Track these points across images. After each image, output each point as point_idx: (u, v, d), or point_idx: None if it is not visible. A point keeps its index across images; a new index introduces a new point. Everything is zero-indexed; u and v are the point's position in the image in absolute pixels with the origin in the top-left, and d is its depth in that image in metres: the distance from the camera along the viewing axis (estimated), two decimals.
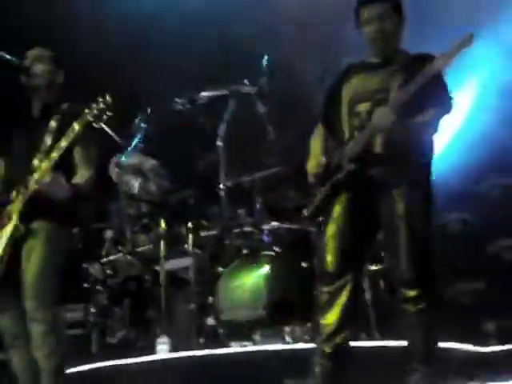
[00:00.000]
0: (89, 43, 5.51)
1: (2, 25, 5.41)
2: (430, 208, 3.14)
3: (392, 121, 2.98)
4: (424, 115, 3.07)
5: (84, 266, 5.02)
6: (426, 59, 3.04)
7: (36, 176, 3.32)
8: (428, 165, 3.21)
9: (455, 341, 3.91)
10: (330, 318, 3.07)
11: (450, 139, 5.71)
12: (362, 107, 3.18)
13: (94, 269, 4.96)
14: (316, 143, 3.49)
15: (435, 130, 3.19)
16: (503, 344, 4.12)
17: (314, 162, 3.37)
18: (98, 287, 4.95)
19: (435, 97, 3.09)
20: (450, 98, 3.15)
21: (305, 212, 3.41)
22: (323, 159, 3.33)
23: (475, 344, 4.02)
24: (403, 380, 2.94)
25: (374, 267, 4.44)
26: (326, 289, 3.10)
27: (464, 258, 5.08)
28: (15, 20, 5.53)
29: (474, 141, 5.42)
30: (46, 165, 3.32)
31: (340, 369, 3.09)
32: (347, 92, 3.33)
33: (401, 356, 3.11)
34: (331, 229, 3.16)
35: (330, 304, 3.08)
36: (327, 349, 3.08)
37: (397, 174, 3.06)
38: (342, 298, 3.07)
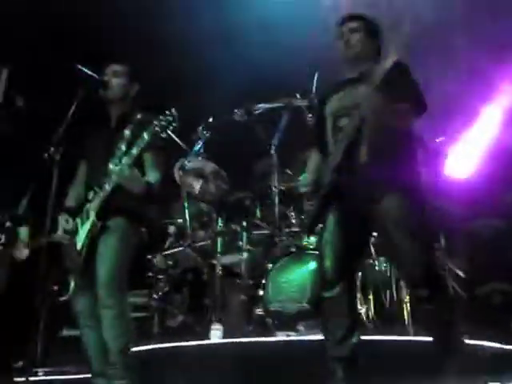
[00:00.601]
0: (160, 58, 5.81)
1: (84, 41, 5.80)
2: (421, 211, 3.12)
3: (378, 99, 2.99)
4: (401, 106, 3.10)
5: (148, 257, 5.31)
6: (401, 69, 3.09)
7: (117, 169, 3.58)
8: (414, 170, 3.22)
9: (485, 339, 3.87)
10: (338, 322, 3.11)
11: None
12: (343, 122, 3.23)
13: (158, 260, 5.24)
14: (309, 164, 3.61)
15: (411, 124, 3.23)
16: None
17: (302, 179, 3.55)
18: (161, 276, 5.21)
19: (412, 94, 3.16)
20: (423, 98, 3.20)
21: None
22: (310, 175, 3.48)
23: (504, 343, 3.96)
24: (432, 375, 2.95)
25: None
26: (327, 294, 3.13)
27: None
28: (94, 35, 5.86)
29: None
30: (126, 160, 3.58)
31: (355, 370, 3.08)
32: (329, 109, 3.40)
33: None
34: (326, 238, 3.20)
35: (335, 310, 3.12)
36: (341, 352, 3.09)
37: (384, 182, 3.07)
38: (345, 303, 3.11)
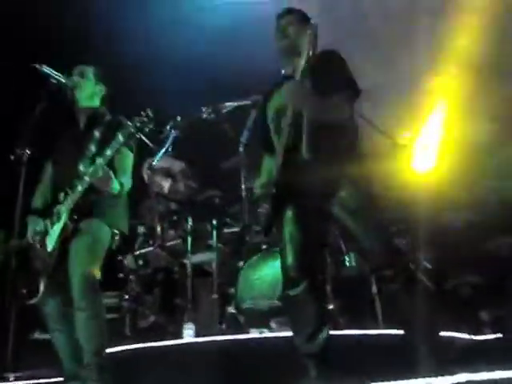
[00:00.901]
0: (124, 57, 5.73)
1: (46, 40, 5.71)
2: (370, 195, 3.15)
3: (303, 90, 2.99)
4: (334, 98, 3.11)
5: (119, 257, 5.26)
6: (327, 57, 3.17)
7: (91, 170, 3.55)
8: (355, 160, 3.18)
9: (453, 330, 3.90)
10: (305, 320, 3.09)
11: None
12: (284, 121, 3.18)
13: (128, 260, 5.22)
14: (263, 166, 3.60)
15: (348, 113, 3.21)
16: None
17: (256, 182, 3.59)
18: (131, 277, 5.19)
19: (341, 81, 3.15)
20: (355, 83, 3.20)
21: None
22: (262, 178, 3.50)
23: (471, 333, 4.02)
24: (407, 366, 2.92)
25: None
26: (292, 293, 3.10)
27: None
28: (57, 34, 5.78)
29: None
30: (99, 161, 3.55)
31: (327, 366, 3.06)
32: (271, 109, 3.42)
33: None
34: (285, 236, 3.17)
35: (301, 307, 3.10)
36: (310, 349, 3.08)
37: (330, 177, 3.07)
38: (310, 300, 3.07)
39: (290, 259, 3.12)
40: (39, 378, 4.62)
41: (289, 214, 3.17)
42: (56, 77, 3.89)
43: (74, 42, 5.75)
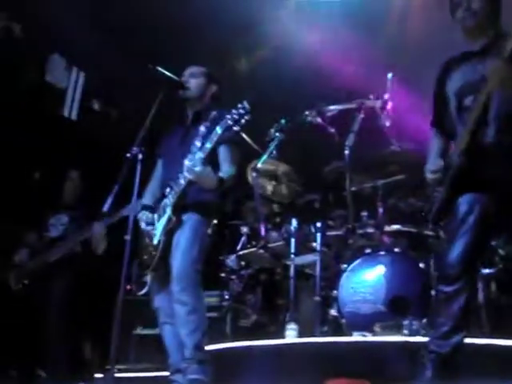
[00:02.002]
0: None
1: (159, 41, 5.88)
2: None
3: (508, 72, 2.75)
4: None
5: (221, 258, 5.36)
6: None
7: (188, 165, 3.64)
8: None
9: None
10: (447, 317, 2.97)
11: None
12: (469, 101, 3.01)
13: (230, 260, 5.29)
14: (431, 147, 3.35)
15: None
16: None
17: (430, 165, 3.23)
18: (233, 277, 5.26)
19: None
20: None
21: (427, 216, 3.26)
22: (438, 161, 3.19)
23: None
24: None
25: (486, 270, 4.26)
26: (446, 289, 2.99)
27: None
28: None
29: None
30: (199, 155, 3.65)
31: (453, 367, 2.97)
32: (452, 88, 3.16)
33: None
34: (455, 227, 3.01)
35: (448, 304, 2.98)
36: (441, 348, 2.97)
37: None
38: (460, 300, 2.95)
39: (455, 253, 2.97)
40: (141, 372, 4.85)
41: (467, 202, 2.98)
42: (169, 77, 3.99)
43: (185, 42, 5.83)
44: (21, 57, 6.07)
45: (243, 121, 3.60)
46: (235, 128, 3.61)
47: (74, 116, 6.55)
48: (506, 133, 2.90)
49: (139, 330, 5.38)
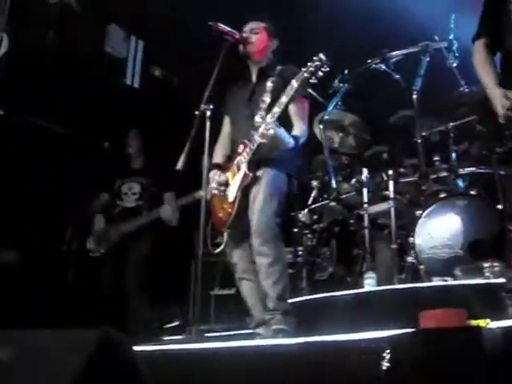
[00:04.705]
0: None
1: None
2: None
3: None
4: None
5: (292, 214, 5.30)
6: None
7: (261, 130, 3.63)
8: None
9: None
10: None
11: None
12: None
13: (302, 215, 5.25)
14: (484, 73, 3.00)
15: None
16: None
17: (496, 100, 2.88)
18: (306, 231, 5.22)
19: None
20: None
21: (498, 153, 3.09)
22: (503, 93, 2.85)
23: None
24: None
25: None
26: None
27: None
28: None
29: None
30: (270, 119, 3.63)
31: None
32: None
33: None
34: None
35: None
36: None
37: None
38: None
39: None
40: (220, 331, 4.90)
41: None
42: (230, 32, 3.96)
43: None
44: (80, 30, 6.14)
45: (320, 73, 3.54)
46: (312, 81, 3.55)
47: (136, 84, 6.63)
48: None
49: (216, 291, 5.45)
